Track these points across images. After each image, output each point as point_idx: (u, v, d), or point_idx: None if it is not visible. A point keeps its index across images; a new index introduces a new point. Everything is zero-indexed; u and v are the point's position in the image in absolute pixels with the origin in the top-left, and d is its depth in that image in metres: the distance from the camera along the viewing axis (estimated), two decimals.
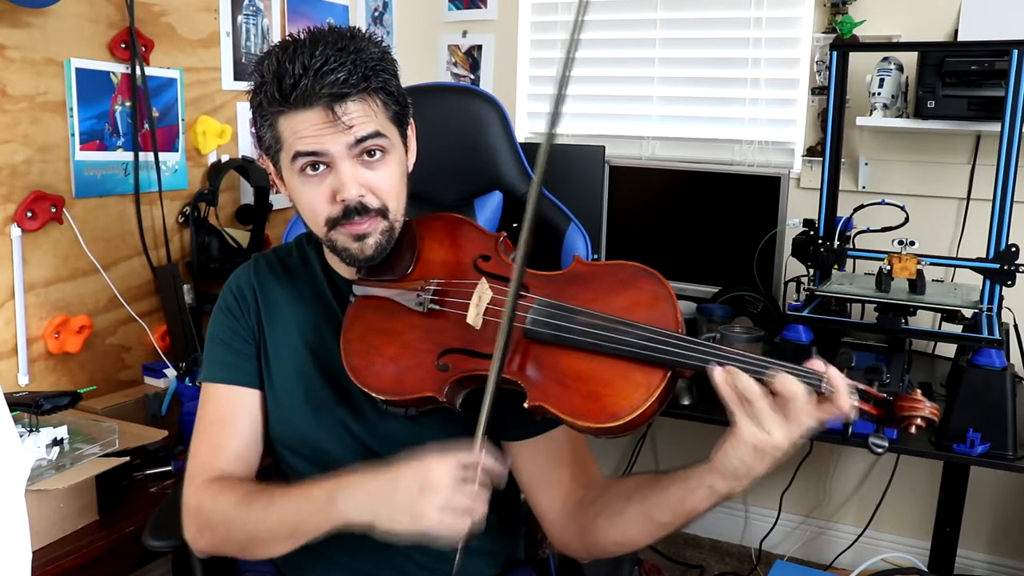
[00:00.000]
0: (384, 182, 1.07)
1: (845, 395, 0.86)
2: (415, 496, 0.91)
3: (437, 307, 1.07)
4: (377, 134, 1.05)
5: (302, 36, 1.04)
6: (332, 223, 1.06)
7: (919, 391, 0.90)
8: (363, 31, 1.07)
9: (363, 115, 1.03)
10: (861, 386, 0.90)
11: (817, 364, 0.88)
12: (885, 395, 0.91)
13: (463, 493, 0.90)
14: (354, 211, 1.05)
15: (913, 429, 0.88)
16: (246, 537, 1.06)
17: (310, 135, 1.02)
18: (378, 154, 1.06)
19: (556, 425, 1.10)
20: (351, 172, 1.04)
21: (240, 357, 1.18)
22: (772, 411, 0.85)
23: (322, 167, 1.04)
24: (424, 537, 0.91)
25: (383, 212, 1.07)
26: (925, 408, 0.88)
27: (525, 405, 0.95)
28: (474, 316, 1.03)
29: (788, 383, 0.85)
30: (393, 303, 1.09)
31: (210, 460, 1.14)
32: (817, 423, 0.86)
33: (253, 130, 1.12)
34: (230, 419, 1.16)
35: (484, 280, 1.06)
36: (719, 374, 0.87)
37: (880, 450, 0.90)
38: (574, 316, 0.98)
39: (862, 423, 0.89)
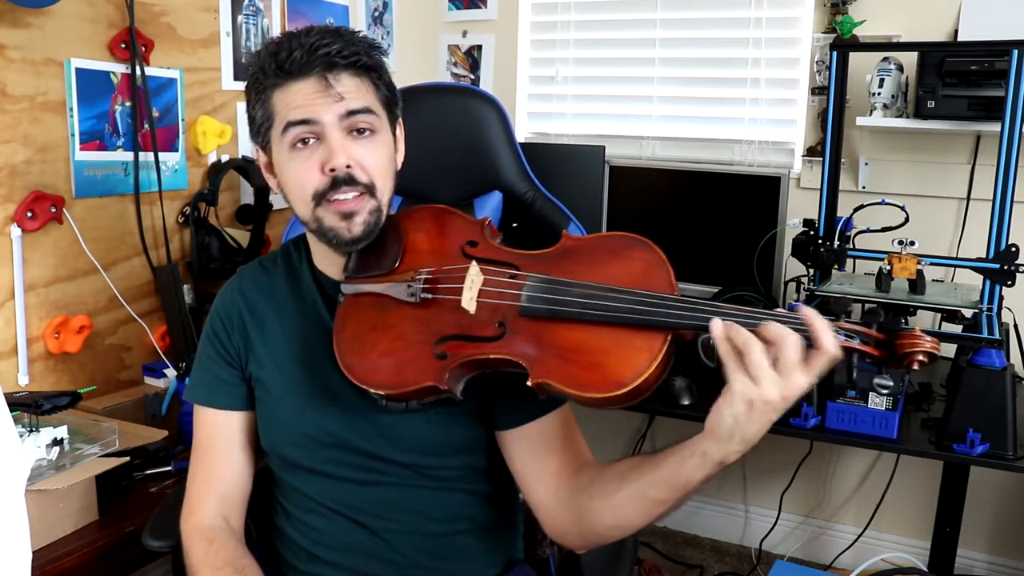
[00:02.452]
0: (372, 159, 1.07)
1: (823, 330, 0.85)
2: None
3: (429, 296, 1.06)
4: (368, 110, 1.06)
5: (297, 30, 1.07)
6: (319, 196, 1.06)
7: (918, 328, 0.89)
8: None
9: (355, 89, 1.06)
10: (860, 328, 0.89)
11: (803, 309, 0.87)
12: (884, 335, 0.89)
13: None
14: (342, 181, 1.05)
15: (916, 365, 0.87)
16: None
17: (302, 103, 1.04)
18: (367, 132, 1.07)
19: (550, 409, 1.10)
20: (341, 142, 1.05)
21: (219, 381, 1.19)
22: (764, 363, 0.84)
23: (312, 140, 1.05)
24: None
25: (371, 189, 1.07)
26: (926, 342, 0.87)
27: (529, 383, 0.95)
28: (468, 300, 1.03)
29: (776, 328, 0.85)
30: (384, 297, 1.08)
31: (204, 493, 1.19)
32: (810, 379, 0.85)
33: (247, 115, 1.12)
34: (216, 446, 1.20)
35: (475, 263, 1.06)
36: (718, 326, 0.87)
37: (886, 391, 0.89)
38: (569, 289, 0.98)
39: (864, 364, 0.88)
